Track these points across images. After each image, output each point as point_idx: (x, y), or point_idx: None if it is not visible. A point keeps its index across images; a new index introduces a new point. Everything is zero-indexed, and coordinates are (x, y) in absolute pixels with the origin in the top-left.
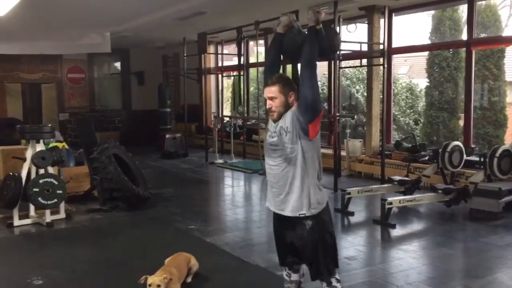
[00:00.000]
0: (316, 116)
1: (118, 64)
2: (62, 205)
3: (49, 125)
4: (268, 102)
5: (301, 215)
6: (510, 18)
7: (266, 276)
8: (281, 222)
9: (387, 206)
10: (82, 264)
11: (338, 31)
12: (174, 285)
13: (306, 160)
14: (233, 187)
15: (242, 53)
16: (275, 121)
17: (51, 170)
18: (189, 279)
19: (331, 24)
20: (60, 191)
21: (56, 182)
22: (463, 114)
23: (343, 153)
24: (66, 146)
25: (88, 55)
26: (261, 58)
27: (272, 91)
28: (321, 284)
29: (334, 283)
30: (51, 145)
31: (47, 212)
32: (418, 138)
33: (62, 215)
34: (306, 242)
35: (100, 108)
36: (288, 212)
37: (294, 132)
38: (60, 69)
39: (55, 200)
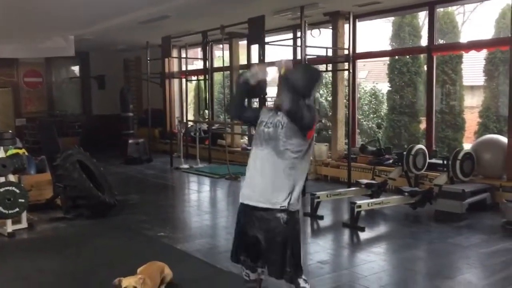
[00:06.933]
0: (307, 131)
1: (77, 68)
2: (24, 214)
3: (10, 131)
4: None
5: (282, 207)
6: (465, 24)
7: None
8: (251, 216)
9: (356, 210)
10: (48, 276)
11: (308, 67)
12: None
13: (297, 157)
14: (199, 192)
15: (207, 57)
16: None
17: (12, 178)
18: None
19: (296, 29)
20: (22, 200)
21: (18, 191)
22: (423, 118)
23: None
24: (26, 153)
25: (46, 59)
26: (226, 63)
27: None
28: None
29: (303, 283)
30: (9, 152)
31: (8, 222)
32: (382, 141)
33: (24, 224)
34: (277, 236)
35: (59, 112)
36: (267, 203)
37: (290, 128)
38: (16, 73)
39: (17, 209)
